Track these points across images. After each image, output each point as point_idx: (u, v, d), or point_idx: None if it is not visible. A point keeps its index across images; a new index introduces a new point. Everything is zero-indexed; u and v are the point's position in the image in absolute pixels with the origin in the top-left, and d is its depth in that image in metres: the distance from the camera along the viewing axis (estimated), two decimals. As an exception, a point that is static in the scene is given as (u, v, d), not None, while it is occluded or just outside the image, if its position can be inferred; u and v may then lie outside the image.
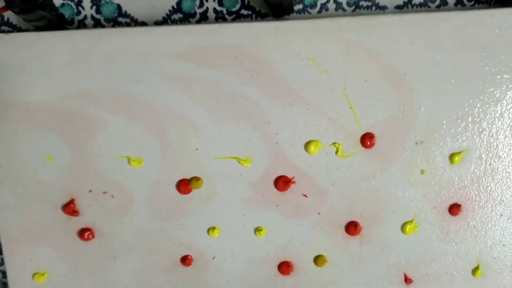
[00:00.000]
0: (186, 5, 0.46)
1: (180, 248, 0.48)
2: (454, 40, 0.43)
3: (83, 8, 0.46)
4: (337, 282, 0.48)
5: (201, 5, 0.46)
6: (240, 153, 0.45)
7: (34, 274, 0.49)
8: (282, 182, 0.46)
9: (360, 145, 0.45)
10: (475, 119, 0.45)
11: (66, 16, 0.46)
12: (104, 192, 0.47)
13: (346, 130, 0.45)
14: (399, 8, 0.46)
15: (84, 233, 0.47)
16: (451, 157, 0.45)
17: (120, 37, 0.43)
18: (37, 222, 0.48)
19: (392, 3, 0.45)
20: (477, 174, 0.46)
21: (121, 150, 0.46)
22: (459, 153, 0.45)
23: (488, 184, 0.46)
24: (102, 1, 0.46)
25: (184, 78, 0.44)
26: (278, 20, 0.46)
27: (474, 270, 0.47)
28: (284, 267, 0.48)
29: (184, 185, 0.46)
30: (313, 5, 0.46)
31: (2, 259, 0.50)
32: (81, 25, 0.47)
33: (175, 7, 0.46)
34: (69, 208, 0.47)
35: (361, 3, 0.46)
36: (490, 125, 0.45)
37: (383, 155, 0.45)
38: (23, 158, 0.46)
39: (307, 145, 0.45)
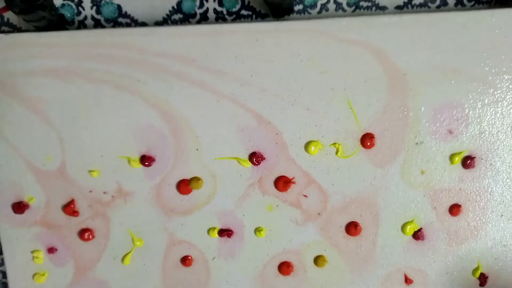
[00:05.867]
0: (186, 6, 0.46)
1: (180, 248, 0.48)
2: (454, 40, 0.43)
3: (83, 9, 0.46)
4: (337, 283, 0.48)
5: (201, 5, 0.46)
6: (240, 153, 0.45)
7: (34, 274, 0.49)
8: (282, 183, 0.46)
9: (360, 145, 0.45)
10: (476, 119, 0.45)
11: (66, 17, 0.46)
12: (104, 192, 0.47)
13: (346, 130, 0.45)
14: (399, 8, 0.46)
15: (84, 233, 0.47)
16: (451, 157, 0.45)
17: (120, 38, 0.43)
18: (37, 222, 0.48)
19: (392, 3, 0.45)
20: (477, 174, 0.46)
21: (121, 150, 0.46)
22: (459, 153, 0.45)
23: (488, 185, 0.46)
24: (102, 2, 0.46)
25: (184, 78, 0.44)
26: (278, 20, 0.46)
27: (475, 271, 0.47)
28: (284, 268, 0.48)
29: (184, 185, 0.46)
30: (313, 6, 0.46)
31: (2, 259, 0.50)
32: (81, 25, 0.47)
33: (175, 7, 0.46)
34: (69, 208, 0.47)
35: (361, 3, 0.46)
36: (490, 126, 0.45)
37: (383, 155, 0.45)
38: (23, 158, 0.46)
39: (307, 145, 0.45)
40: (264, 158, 0.45)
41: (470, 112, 0.45)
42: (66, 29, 0.47)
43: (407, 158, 0.45)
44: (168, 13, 0.46)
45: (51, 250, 0.48)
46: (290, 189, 0.46)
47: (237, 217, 0.47)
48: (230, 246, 0.48)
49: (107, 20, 0.46)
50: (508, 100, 0.44)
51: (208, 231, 0.47)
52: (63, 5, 0.46)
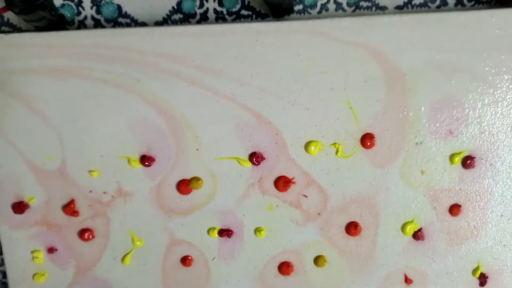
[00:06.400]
0: (186, 6, 0.46)
1: (180, 248, 0.48)
2: (454, 40, 0.43)
3: (83, 9, 0.46)
4: (337, 283, 0.48)
5: (201, 5, 0.46)
6: (240, 153, 0.45)
7: (34, 274, 0.49)
8: (282, 183, 0.46)
9: (360, 145, 0.45)
10: (476, 119, 0.45)
11: (66, 17, 0.46)
12: (104, 192, 0.47)
13: (346, 130, 0.45)
14: (399, 8, 0.46)
15: (84, 233, 0.47)
16: (451, 157, 0.45)
17: (120, 38, 0.43)
18: (37, 223, 0.48)
19: (392, 3, 0.46)
20: (477, 174, 0.46)
21: (121, 150, 0.46)
22: (459, 153, 0.45)
23: (488, 185, 0.46)
24: (102, 2, 0.46)
25: (184, 78, 0.44)
26: (278, 20, 0.46)
27: (475, 271, 0.47)
28: (284, 268, 0.48)
29: (184, 185, 0.46)
30: (313, 6, 0.46)
31: (2, 259, 0.50)
32: (81, 25, 0.47)
33: (175, 7, 0.46)
34: (69, 208, 0.47)
35: (361, 3, 0.46)
36: (490, 126, 0.45)
37: (383, 155, 0.45)
38: (23, 158, 0.46)
39: (307, 145, 0.45)
40: (264, 158, 0.45)
41: (470, 112, 0.45)
42: (66, 29, 0.47)
43: (407, 158, 0.45)
44: (168, 13, 0.46)
45: (51, 250, 0.48)
46: (290, 189, 0.46)
47: (237, 217, 0.47)
48: (230, 246, 0.48)
49: (107, 20, 0.46)
50: (508, 100, 0.44)
51: (208, 231, 0.47)
52: (63, 5, 0.46)
